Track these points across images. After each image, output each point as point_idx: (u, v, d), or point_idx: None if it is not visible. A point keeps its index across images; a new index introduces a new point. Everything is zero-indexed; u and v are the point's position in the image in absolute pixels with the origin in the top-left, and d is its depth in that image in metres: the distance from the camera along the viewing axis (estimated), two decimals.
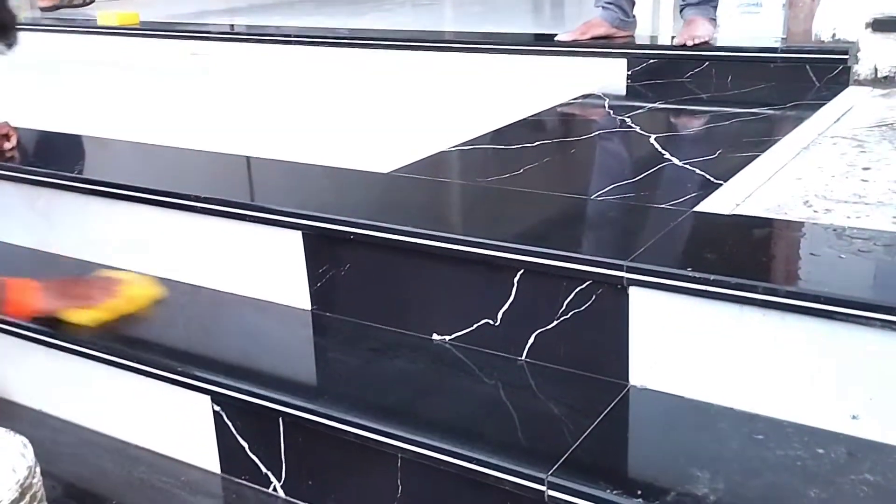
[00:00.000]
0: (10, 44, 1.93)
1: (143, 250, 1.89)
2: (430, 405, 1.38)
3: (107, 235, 1.95)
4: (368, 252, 1.58)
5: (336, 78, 3.04)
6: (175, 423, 1.59)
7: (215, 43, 3.56)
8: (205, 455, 1.55)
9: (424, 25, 3.53)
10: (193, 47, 3.53)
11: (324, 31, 3.37)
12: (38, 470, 1.27)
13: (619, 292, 1.34)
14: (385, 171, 1.84)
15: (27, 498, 1.22)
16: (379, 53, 3.11)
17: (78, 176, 1.96)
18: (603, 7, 2.70)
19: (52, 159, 2.12)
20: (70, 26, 3.95)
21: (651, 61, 2.57)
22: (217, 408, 1.51)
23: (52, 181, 1.98)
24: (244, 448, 1.50)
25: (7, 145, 2.15)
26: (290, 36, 3.37)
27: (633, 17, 2.73)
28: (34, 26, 4.07)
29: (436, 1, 4.97)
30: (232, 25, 3.89)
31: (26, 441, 1.31)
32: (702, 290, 1.25)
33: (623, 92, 2.53)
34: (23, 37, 3.94)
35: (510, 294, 1.44)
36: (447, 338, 1.53)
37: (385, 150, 2.01)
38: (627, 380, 1.37)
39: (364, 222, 1.54)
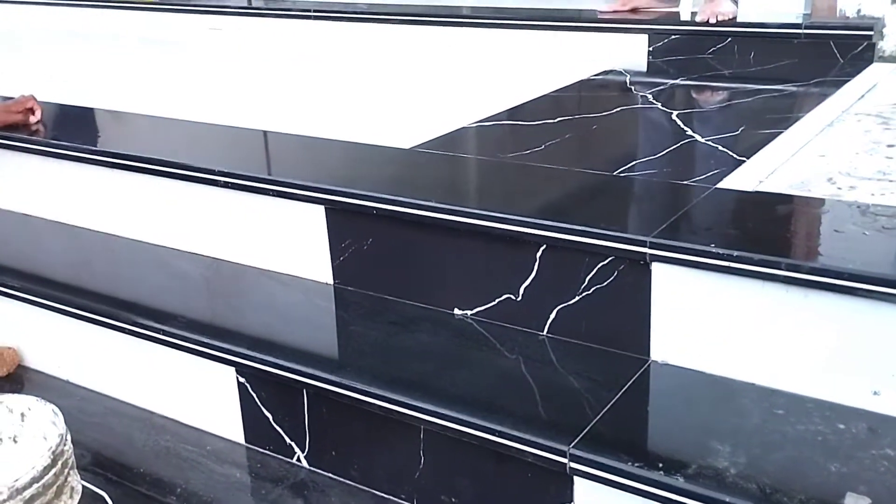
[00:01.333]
0: None
1: (166, 223, 1.91)
2: (452, 378, 1.39)
3: (130, 208, 1.97)
4: (390, 227, 1.59)
5: (354, 54, 3.04)
6: (200, 394, 1.61)
7: (234, 18, 3.56)
8: (229, 425, 1.58)
9: (443, 1, 3.51)
10: (213, 22, 3.53)
11: (342, 7, 3.36)
12: (68, 438, 1.30)
13: (641, 268, 1.34)
14: (407, 146, 1.84)
15: (59, 465, 1.25)
16: (397, 29, 3.10)
17: (101, 149, 1.98)
18: None
19: (76, 133, 2.14)
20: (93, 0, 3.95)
21: (673, 37, 2.55)
22: (241, 379, 1.53)
23: (75, 154, 2.00)
24: (268, 419, 1.52)
25: (33, 119, 2.17)
26: (309, 11, 3.36)
27: None
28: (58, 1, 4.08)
29: None
30: (250, 0, 3.88)
31: (57, 409, 1.34)
32: (724, 266, 1.26)
33: (644, 68, 2.52)
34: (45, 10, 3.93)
35: (532, 269, 1.45)
36: (468, 312, 1.55)
37: (406, 126, 2.01)
38: (648, 355, 1.38)
39: (387, 197, 1.55)
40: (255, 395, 1.53)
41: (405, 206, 1.54)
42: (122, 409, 1.70)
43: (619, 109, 2.11)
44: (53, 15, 3.99)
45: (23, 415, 1.38)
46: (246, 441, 1.57)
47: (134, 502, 1.45)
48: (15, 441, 1.38)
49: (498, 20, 2.91)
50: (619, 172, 1.63)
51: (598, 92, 2.33)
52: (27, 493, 1.18)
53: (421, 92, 2.47)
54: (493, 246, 1.49)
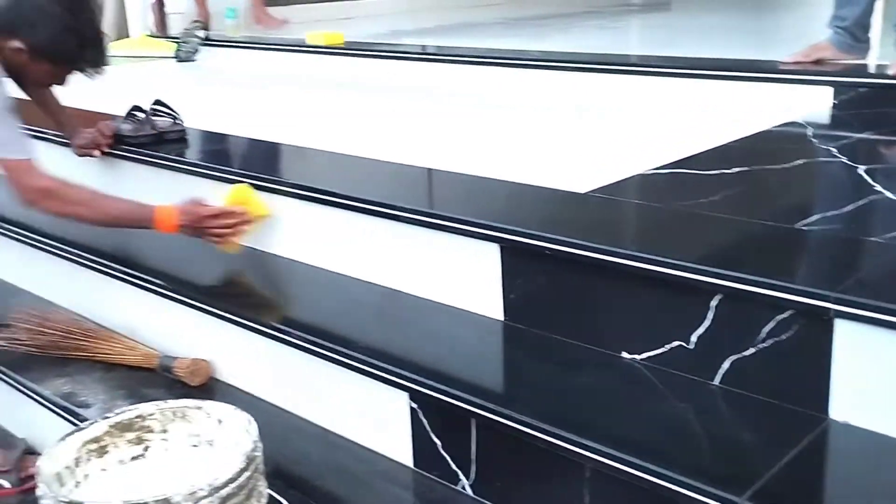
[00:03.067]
0: (97, 65, 2.07)
1: (346, 253, 2.03)
2: (619, 421, 1.40)
3: (314, 238, 2.11)
4: (564, 268, 1.63)
5: (525, 99, 3.12)
6: (373, 417, 1.70)
7: (410, 62, 3.75)
8: (399, 448, 1.65)
9: (621, 48, 3.55)
10: (394, 66, 3.73)
11: (513, 54, 3.46)
12: (260, 445, 1.41)
13: (823, 323, 1.31)
14: (581, 191, 1.88)
15: (251, 469, 1.36)
16: (569, 76, 3.16)
17: (287, 181, 2.14)
18: (833, 30, 2.64)
19: (261, 165, 2.32)
20: (281, 45, 4.27)
21: (860, 90, 2.47)
22: (414, 405, 1.60)
23: (268, 186, 2.17)
24: (437, 445, 1.59)
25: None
26: (480, 57, 3.49)
27: (867, 39, 2.64)
28: (250, 44, 4.45)
29: (622, 24, 4.98)
30: (424, 46, 4.07)
31: (251, 418, 1.46)
32: None
33: (828, 121, 2.45)
34: (236, 53, 4.28)
35: (706, 318, 1.45)
36: (637, 357, 1.56)
37: (579, 171, 2.06)
38: (827, 413, 1.34)
39: (563, 238, 1.59)
40: (425, 421, 1.60)
41: (581, 249, 1.57)
42: (301, 426, 1.81)
43: (800, 162, 2.06)
44: (242, 58, 4.34)
45: (220, 421, 1.51)
46: (414, 465, 1.64)
47: None
48: (211, 445, 1.51)
49: (673, 69, 2.92)
50: (801, 225, 1.60)
51: (778, 144, 2.28)
52: (224, 492, 1.30)
53: (593, 138, 2.51)
54: (666, 292, 1.50)
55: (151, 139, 2.53)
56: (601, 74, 3.07)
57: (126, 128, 2.54)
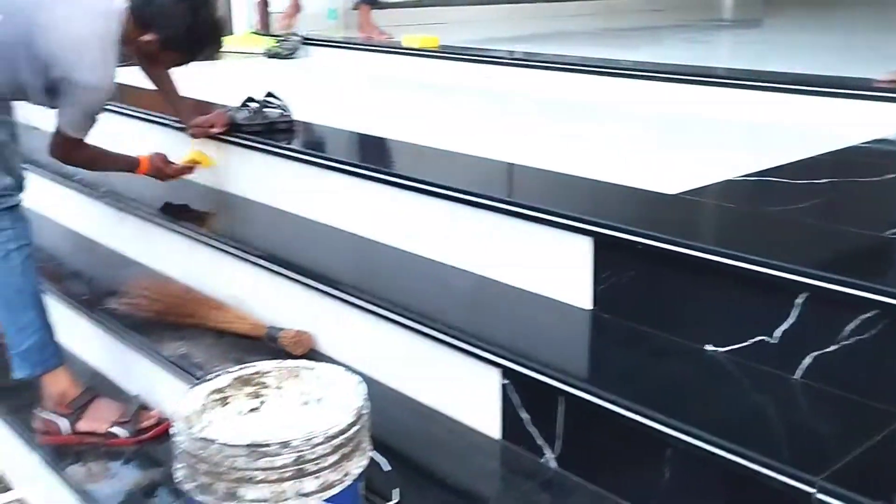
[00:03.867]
0: (212, 55, 2.39)
1: (441, 242, 2.16)
2: (700, 407, 1.49)
3: (413, 226, 2.24)
4: (653, 263, 1.73)
5: (614, 106, 3.21)
6: (464, 391, 1.82)
7: (502, 67, 3.88)
8: (488, 422, 1.77)
9: (711, 61, 3.60)
10: (487, 70, 3.85)
11: (603, 63, 3.55)
12: (368, 403, 1.54)
13: None
14: (671, 192, 1.97)
15: (359, 425, 1.49)
16: (656, 85, 3.24)
17: (395, 172, 2.28)
18: None
19: (360, 155, 2.47)
20: (379, 46, 4.45)
21: None
22: (505, 381, 1.72)
23: (373, 175, 2.32)
24: (524, 421, 1.70)
25: (213, 130, 2.70)
26: (574, 65, 3.59)
27: None
28: (348, 44, 4.64)
29: (712, 39, 5.01)
30: (512, 51, 4.19)
31: (360, 380, 1.59)
32: None
33: None
34: (336, 53, 4.46)
35: (791, 315, 1.53)
36: (721, 349, 1.64)
37: (668, 175, 2.14)
38: None
39: (658, 235, 1.69)
40: (515, 397, 1.71)
41: (673, 245, 1.67)
42: (395, 397, 1.95)
43: (890, 176, 2.11)
44: (342, 58, 4.53)
45: (330, 382, 1.64)
46: (502, 437, 1.75)
47: (402, 474, 1.67)
48: (319, 403, 1.65)
49: (762, 82, 2.97)
50: (890, 234, 1.66)
51: (869, 158, 2.33)
52: (336, 442, 1.43)
53: (682, 145, 2.59)
54: (752, 289, 1.59)
55: (263, 128, 2.72)
56: (691, 86, 3.13)
57: (240, 116, 2.73)
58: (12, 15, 2.01)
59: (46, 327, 2.16)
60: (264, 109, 2.78)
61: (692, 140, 2.66)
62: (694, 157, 2.43)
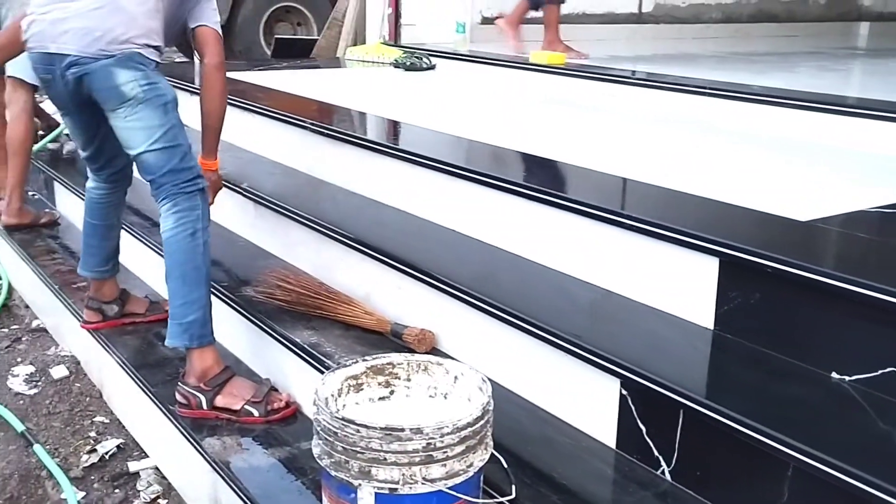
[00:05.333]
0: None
1: (566, 252, 2.22)
2: (822, 430, 1.50)
3: (538, 235, 2.31)
4: (780, 287, 1.74)
5: (735, 128, 3.20)
6: (583, 399, 1.87)
7: (623, 87, 3.91)
8: (604, 430, 1.82)
9: (843, 90, 3.54)
10: (610, 89, 3.90)
11: (732, 86, 3.53)
12: (492, 401, 1.62)
13: None
14: (802, 219, 1.98)
15: (484, 420, 1.58)
16: (783, 112, 3.21)
17: (518, 182, 2.36)
18: None
19: (485, 164, 2.55)
20: (506, 61, 4.55)
21: None
22: (624, 392, 1.77)
23: (500, 185, 2.40)
24: (642, 431, 1.74)
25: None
26: (700, 87, 3.59)
27: None
28: (475, 58, 4.75)
29: (845, 67, 4.89)
30: (634, 71, 4.21)
31: (486, 377, 1.67)
32: None
33: None
34: (463, 66, 4.59)
35: None
36: (847, 378, 1.64)
37: (796, 200, 2.14)
38: None
39: (788, 259, 1.70)
40: (633, 408, 1.75)
41: (801, 270, 1.68)
42: (514, 399, 2.01)
43: None
44: (467, 71, 4.65)
45: (456, 378, 1.74)
46: (616, 446, 1.80)
47: (517, 472, 1.74)
48: (445, 398, 1.74)
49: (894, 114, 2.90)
50: None
51: None
52: (463, 433, 1.52)
53: (810, 172, 2.57)
54: (883, 319, 1.58)
55: None
56: (820, 114, 3.09)
57: None
58: None
59: (209, 305, 2.31)
60: None
61: (819, 168, 2.63)
62: (821, 184, 2.41)
